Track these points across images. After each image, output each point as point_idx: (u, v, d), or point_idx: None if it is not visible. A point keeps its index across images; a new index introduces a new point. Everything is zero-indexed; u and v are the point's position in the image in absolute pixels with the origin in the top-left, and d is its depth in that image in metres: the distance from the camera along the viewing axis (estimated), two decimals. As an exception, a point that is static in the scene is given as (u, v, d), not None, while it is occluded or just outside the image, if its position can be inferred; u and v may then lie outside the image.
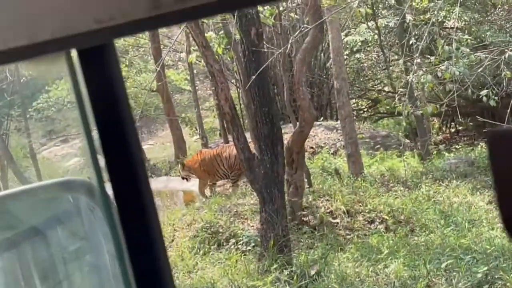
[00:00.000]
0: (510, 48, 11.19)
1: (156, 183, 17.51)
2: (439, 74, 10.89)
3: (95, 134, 1.35)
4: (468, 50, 10.87)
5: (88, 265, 2.82)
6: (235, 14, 10.20)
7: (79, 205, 2.64)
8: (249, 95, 10.86)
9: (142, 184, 1.35)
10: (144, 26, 1.22)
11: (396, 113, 18.15)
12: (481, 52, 11.81)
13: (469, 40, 10.90)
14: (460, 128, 25.82)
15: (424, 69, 11.64)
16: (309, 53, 12.18)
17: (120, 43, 27.02)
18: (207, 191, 16.81)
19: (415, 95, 11.44)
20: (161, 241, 1.39)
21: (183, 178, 16.94)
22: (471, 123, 23.42)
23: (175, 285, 1.42)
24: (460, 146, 19.74)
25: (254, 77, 10.04)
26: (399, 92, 12.89)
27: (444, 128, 24.23)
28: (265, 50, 11.35)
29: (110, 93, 1.33)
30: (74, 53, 1.33)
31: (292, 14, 18.66)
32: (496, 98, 11.15)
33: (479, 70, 11.35)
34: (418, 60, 11.28)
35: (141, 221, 1.36)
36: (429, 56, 12.52)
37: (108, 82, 1.33)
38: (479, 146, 19.02)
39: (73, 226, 2.77)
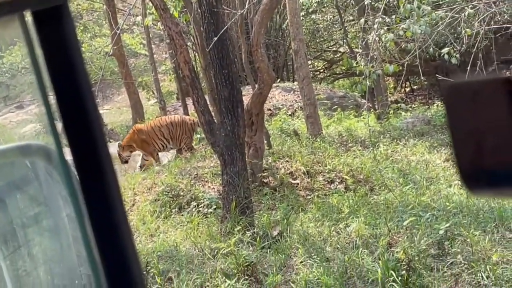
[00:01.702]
0: (470, 6, 11.22)
1: (114, 148, 17.35)
2: (401, 32, 10.89)
3: (52, 99, 1.31)
4: (429, 8, 10.90)
5: (47, 230, 2.77)
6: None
7: (37, 170, 2.58)
8: (208, 58, 10.75)
9: (100, 147, 1.33)
10: None
11: (354, 73, 18.21)
12: (441, 10, 11.83)
13: (429, -1, 10.93)
14: (415, 87, 26.02)
15: (385, 28, 11.63)
16: (267, 15, 12.07)
17: (74, 7, 26.62)
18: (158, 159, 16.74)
19: (372, 55, 11.40)
20: (121, 204, 1.36)
21: (124, 162, 16.66)
22: (426, 82, 23.60)
23: (136, 246, 1.39)
24: (416, 105, 19.88)
25: (215, 39, 9.92)
26: (359, 52, 12.87)
27: (399, 88, 24.38)
28: (224, 11, 11.21)
29: (66, 55, 1.29)
30: (28, 15, 1.27)
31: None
32: (457, 56, 11.20)
33: (439, 28, 11.38)
34: (380, 19, 11.25)
35: (101, 185, 1.33)
36: (384, 16, 12.48)
37: (64, 44, 1.29)
38: (434, 105, 19.18)
39: (31, 191, 2.71)
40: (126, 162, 16.63)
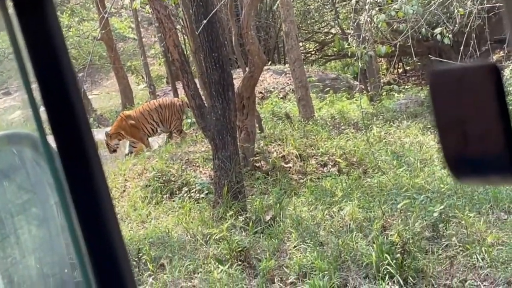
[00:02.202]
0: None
1: (103, 134, 17.29)
2: (393, 13, 10.87)
3: (35, 86, 1.30)
4: (421, -12, 10.93)
5: (35, 218, 2.77)
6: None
7: (24, 158, 2.58)
8: (197, 41, 10.71)
9: (84, 134, 1.32)
10: None
11: (346, 55, 18.15)
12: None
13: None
14: (408, 68, 26.02)
15: (377, 9, 11.62)
16: (257, -4, 12.04)
17: (60, -9, 26.49)
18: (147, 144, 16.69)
19: (363, 36, 11.38)
20: (106, 191, 1.36)
21: (113, 151, 16.55)
22: (418, 63, 23.59)
23: (121, 233, 1.38)
24: (408, 87, 19.88)
25: (205, 21, 9.88)
26: (351, 33, 12.84)
27: (392, 69, 24.38)
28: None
29: (49, 43, 1.28)
30: (9, 3, 1.27)
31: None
32: (449, 36, 11.18)
33: (432, 8, 11.37)
34: (371, 0, 11.24)
35: (85, 172, 1.33)
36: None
37: (46, 31, 1.28)
38: (427, 86, 19.14)
39: (18, 179, 2.71)
40: (115, 151, 16.56)
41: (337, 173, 12.15)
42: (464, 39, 11.13)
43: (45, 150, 1.35)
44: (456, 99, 1.16)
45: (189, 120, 17.06)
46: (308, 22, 27.33)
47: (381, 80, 21.06)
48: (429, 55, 16.82)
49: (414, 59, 18.60)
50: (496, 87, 1.14)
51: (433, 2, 11.50)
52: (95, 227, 1.33)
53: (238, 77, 15.26)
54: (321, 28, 28.01)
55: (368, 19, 11.46)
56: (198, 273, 8.73)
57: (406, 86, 19.88)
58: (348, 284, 8.02)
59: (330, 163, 12.67)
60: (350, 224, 9.39)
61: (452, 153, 1.17)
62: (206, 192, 11.47)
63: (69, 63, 1.30)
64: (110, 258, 1.34)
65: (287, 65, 19.76)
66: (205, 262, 8.92)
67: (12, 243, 2.68)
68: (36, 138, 2.33)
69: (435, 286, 7.79)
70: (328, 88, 19.75)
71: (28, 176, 2.64)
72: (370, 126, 14.53)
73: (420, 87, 19.45)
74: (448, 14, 13.85)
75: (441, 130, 1.17)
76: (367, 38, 11.99)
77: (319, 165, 12.66)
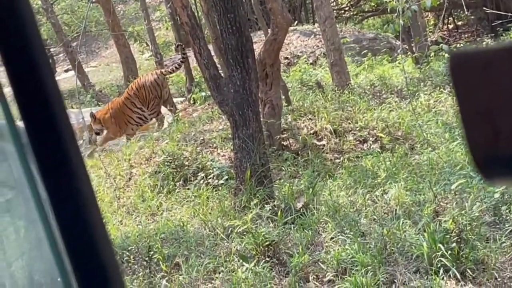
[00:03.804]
0: None
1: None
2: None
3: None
4: None
5: (22, 218, 2.77)
6: None
7: (5, 151, 2.58)
8: (210, 0, 10.68)
9: (58, 116, 1.31)
10: None
11: (385, 10, 18.05)
12: None
13: None
14: (460, 23, 25.84)
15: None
16: None
17: None
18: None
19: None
20: (87, 179, 1.35)
21: (96, 134, 16.80)
22: (472, 17, 23.41)
23: (107, 230, 1.37)
24: (461, 45, 19.73)
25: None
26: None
27: (440, 25, 24.21)
28: None
29: (14, 11, 1.27)
30: None
31: None
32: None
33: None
34: None
35: (62, 160, 1.32)
36: None
37: (12, 4, 1.26)
38: (483, 43, 19.03)
39: (0, 175, 2.71)
40: (98, 134, 16.76)
41: (379, 150, 12.11)
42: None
43: (14, 139, 1.35)
44: (484, 87, 1.13)
45: (203, 94, 17.06)
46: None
47: (428, 39, 20.91)
48: (484, 7, 16.67)
49: (467, 12, 18.47)
50: None
51: None
52: (75, 225, 1.32)
53: (259, 40, 15.24)
54: (356, -21, 27.91)
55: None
56: (219, 273, 8.75)
57: (458, 45, 19.75)
58: (395, 280, 8.00)
59: (371, 138, 12.64)
60: (396, 210, 9.36)
61: (481, 151, 1.15)
62: (226, 177, 11.48)
63: (36, 27, 1.29)
64: (93, 258, 1.33)
65: (316, 25, 19.69)
66: (227, 259, 8.94)
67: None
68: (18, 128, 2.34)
69: (499, 279, 7.76)
70: (365, 50, 19.68)
71: (11, 171, 2.63)
72: (417, 93, 14.46)
73: (474, 45, 19.29)
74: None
75: (466, 123, 1.15)
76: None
77: (357, 142, 12.64)
